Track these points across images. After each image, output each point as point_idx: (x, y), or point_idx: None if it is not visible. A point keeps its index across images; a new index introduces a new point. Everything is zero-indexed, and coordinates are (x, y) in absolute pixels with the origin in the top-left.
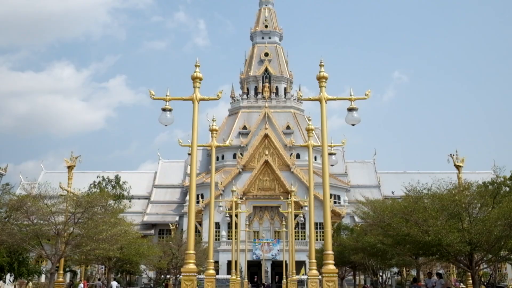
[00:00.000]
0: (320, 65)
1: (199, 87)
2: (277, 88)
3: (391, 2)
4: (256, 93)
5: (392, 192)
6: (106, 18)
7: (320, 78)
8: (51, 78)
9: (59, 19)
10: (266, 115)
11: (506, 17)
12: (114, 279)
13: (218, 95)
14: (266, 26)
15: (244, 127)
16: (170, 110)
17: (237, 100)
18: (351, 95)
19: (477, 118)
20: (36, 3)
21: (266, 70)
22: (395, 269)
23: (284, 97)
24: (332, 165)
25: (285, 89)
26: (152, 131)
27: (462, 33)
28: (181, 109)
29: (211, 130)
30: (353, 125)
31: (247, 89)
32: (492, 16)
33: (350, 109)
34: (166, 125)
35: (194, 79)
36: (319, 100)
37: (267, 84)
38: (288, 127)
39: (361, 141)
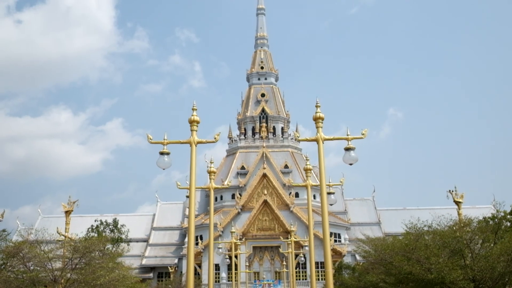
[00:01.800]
0: (316, 106)
1: (196, 130)
2: (274, 128)
3: (384, 41)
4: (254, 133)
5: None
6: (103, 62)
7: (316, 119)
8: (48, 122)
9: (56, 64)
10: (264, 154)
11: (499, 52)
12: None
13: (215, 138)
14: (262, 68)
15: (242, 167)
16: (167, 153)
17: (234, 140)
18: (347, 135)
19: (475, 152)
20: (34, 50)
21: (263, 110)
22: None
23: (282, 137)
24: (331, 205)
25: (282, 128)
26: (150, 173)
27: (456, 68)
28: (178, 151)
29: (209, 172)
30: (350, 164)
31: (245, 130)
32: (484, 52)
33: (347, 149)
34: (164, 169)
35: (191, 122)
36: (316, 140)
37: (264, 124)
38: (286, 166)
39: (360, 178)
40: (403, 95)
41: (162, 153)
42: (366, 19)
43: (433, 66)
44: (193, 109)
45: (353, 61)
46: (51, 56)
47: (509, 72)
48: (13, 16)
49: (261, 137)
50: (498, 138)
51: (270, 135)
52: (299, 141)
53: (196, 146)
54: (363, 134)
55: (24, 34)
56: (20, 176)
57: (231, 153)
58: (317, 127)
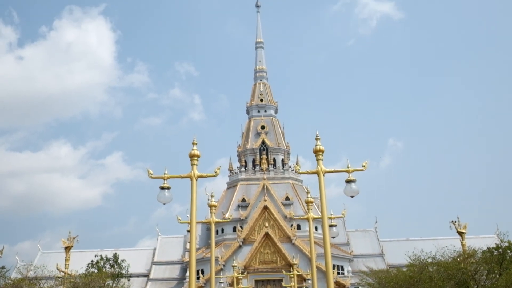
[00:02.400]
0: (316, 139)
1: (197, 165)
2: (274, 160)
3: (382, 72)
4: (254, 166)
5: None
6: (103, 96)
7: (316, 152)
8: (48, 157)
9: (57, 99)
10: (265, 187)
11: (497, 83)
12: None
13: (216, 172)
14: (261, 100)
15: (243, 200)
16: (168, 188)
17: (235, 173)
18: (348, 167)
19: (477, 181)
20: (35, 85)
21: (263, 142)
22: None
23: (282, 169)
24: (333, 237)
25: (282, 160)
26: (150, 207)
27: (454, 98)
28: (179, 183)
29: (210, 206)
30: (352, 197)
31: (245, 162)
32: (482, 83)
33: (348, 181)
34: (164, 204)
35: (191, 156)
36: (317, 173)
37: (264, 156)
38: (287, 198)
39: (361, 209)
40: (403, 125)
41: (162, 188)
42: (363, 51)
43: (431, 96)
44: (193, 143)
45: (351, 92)
46: (52, 91)
47: (509, 101)
48: (15, 52)
49: (262, 169)
50: (500, 167)
51: (271, 167)
52: (299, 173)
53: (196, 180)
54: (363, 166)
55: (25, 70)
56: (20, 211)
57: (231, 185)
58: (317, 160)
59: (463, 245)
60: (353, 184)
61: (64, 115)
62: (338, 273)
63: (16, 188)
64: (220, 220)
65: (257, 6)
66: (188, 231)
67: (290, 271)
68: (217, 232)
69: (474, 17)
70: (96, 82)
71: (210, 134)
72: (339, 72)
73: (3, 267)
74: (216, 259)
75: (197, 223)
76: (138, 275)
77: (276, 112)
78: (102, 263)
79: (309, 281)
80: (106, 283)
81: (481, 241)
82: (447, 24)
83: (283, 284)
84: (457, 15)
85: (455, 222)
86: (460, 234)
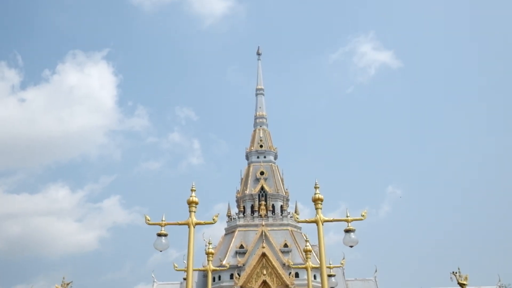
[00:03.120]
0: (315, 187)
1: (195, 211)
2: (273, 206)
3: (380, 119)
4: (253, 212)
5: None
6: (103, 139)
7: (315, 200)
8: (45, 199)
9: (57, 142)
10: (263, 233)
11: (497, 126)
12: None
13: (214, 219)
14: (261, 146)
15: (241, 246)
16: (165, 235)
17: (233, 218)
18: (347, 216)
19: (478, 230)
20: (36, 128)
21: (262, 188)
22: None
23: (281, 215)
24: (332, 287)
25: (281, 206)
26: (146, 251)
27: (454, 144)
28: (176, 229)
29: (208, 253)
30: (351, 246)
31: (244, 208)
32: (483, 130)
33: (347, 231)
34: (161, 251)
35: (190, 203)
36: (316, 222)
37: (263, 202)
38: (285, 245)
39: (360, 256)
40: (402, 173)
41: (159, 235)
42: (362, 99)
43: (430, 143)
44: (191, 190)
45: (350, 139)
46: (53, 133)
47: (510, 147)
48: (17, 94)
49: (260, 216)
50: (502, 216)
51: (269, 213)
52: (298, 222)
53: (194, 227)
54: (362, 216)
55: (27, 112)
56: (14, 254)
57: (229, 231)
58: (316, 209)
59: None
60: (352, 234)
61: (63, 158)
62: None
63: (11, 230)
64: (217, 268)
65: (258, 54)
66: (185, 278)
67: None
68: (214, 279)
69: (472, 65)
70: (97, 125)
71: (209, 179)
72: (338, 119)
73: None
74: None
75: (194, 270)
76: None
77: (275, 158)
78: None
79: None
80: None
81: None
82: (445, 73)
83: None
84: (455, 64)
85: (456, 273)
86: (461, 285)
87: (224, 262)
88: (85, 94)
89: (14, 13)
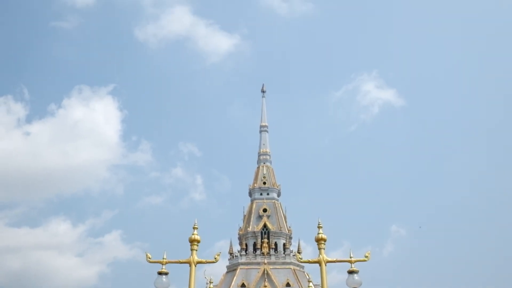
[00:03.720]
0: (318, 227)
1: (196, 250)
2: (276, 244)
3: (383, 157)
4: (255, 249)
5: None
6: (106, 174)
7: (318, 240)
8: (46, 233)
9: (61, 175)
10: (265, 272)
11: (502, 166)
12: None
13: (215, 258)
14: (264, 183)
15: (243, 285)
16: (166, 274)
17: (235, 256)
18: (351, 257)
19: (485, 269)
20: (40, 161)
21: (265, 225)
22: None
23: (283, 253)
24: None
25: (284, 244)
26: (146, 287)
27: (458, 183)
28: (177, 266)
29: None
30: None
31: (246, 245)
32: (485, 169)
33: (351, 272)
34: None
35: (191, 241)
36: (319, 262)
37: (265, 240)
38: (288, 284)
39: None
40: (405, 212)
41: (160, 273)
42: (365, 136)
43: (433, 182)
44: (194, 228)
45: (354, 177)
46: (56, 167)
47: None
48: (22, 128)
49: (263, 253)
50: (508, 253)
51: (272, 251)
52: (301, 262)
53: (195, 266)
54: (366, 257)
55: (31, 145)
56: None
57: (231, 269)
58: (319, 249)
59: None
60: (355, 275)
61: (66, 192)
62: None
63: (12, 264)
64: None
65: (263, 91)
66: None
67: None
68: None
69: (477, 104)
70: (100, 159)
71: (211, 215)
72: (342, 157)
73: None
74: None
75: None
76: None
77: (278, 195)
78: None
79: None
80: None
81: None
82: (448, 111)
83: None
84: (458, 102)
85: None
86: None
87: None
88: (90, 128)
89: (23, 47)
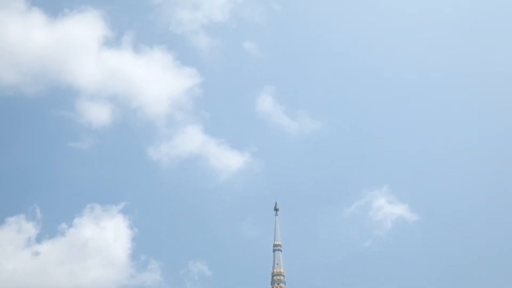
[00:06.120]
0: None
1: None
2: None
3: (399, 273)
4: None
5: None
6: None
7: None
8: None
9: None
10: None
11: None
12: None
13: None
14: None
15: None
16: None
17: None
18: None
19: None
20: (47, 281)
21: None
22: None
23: None
24: None
25: None
26: None
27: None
28: None
29: None
30: None
31: None
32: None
33: None
34: None
35: None
36: None
37: None
38: None
39: None
40: None
41: None
42: (380, 252)
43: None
44: None
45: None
46: (64, 286)
47: None
48: (32, 247)
49: None
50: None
51: None
52: None
53: None
54: None
55: (40, 265)
56: None
57: None
58: None
59: None
60: None
61: None
62: None
63: None
64: None
65: (276, 210)
66: None
67: None
68: None
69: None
70: (108, 279)
71: None
72: (356, 273)
73: None
74: None
75: None
76: None
77: None
78: None
79: None
80: None
81: None
82: (463, 225)
83: None
84: (472, 216)
85: None
86: None
87: None
88: (99, 247)
89: (40, 167)
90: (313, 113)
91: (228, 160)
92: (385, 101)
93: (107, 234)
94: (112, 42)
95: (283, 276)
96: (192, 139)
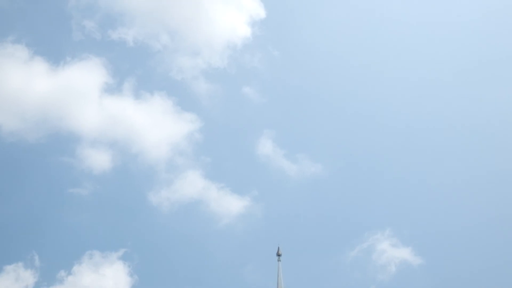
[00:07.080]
0: None
1: None
2: None
3: None
4: None
5: None
6: None
7: None
8: None
9: None
10: None
11: None
12: None
13: None
14: None
15: None
16: None
17: None
18: None
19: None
20: None
21: None
22: None
23: None
24: None
25: None
26: None
27: None
28: None
29: None
30: None
31: None
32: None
33: None
34: None
35: None
36: None
37: None
38: None
39: None
40: None
41: None
42: None
43: None
44: None
45: None
46: None
47: None
48: None
49: None
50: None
51: None
52: None
53: None
54: None
55: None
56: None
57: None
58: None
59: None
60: None
61: None
62: None
63: None
64: None
65: (278, 255)
66: None
67: None
68: None
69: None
70: None
71: None
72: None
73: None
74: None
75: None
76: None
77: None
78: None
79: None
80: None
81: None
82: (470, 267)
83: None
84: (476, 260)
85: None
86: None
87: None
88: None
89: (39, 214)
90: (313, 155)
91: (229, 205)
92: (385, 143)
93: (106, 282)
94: (113, 89)
95: None
96: (192, 184)
